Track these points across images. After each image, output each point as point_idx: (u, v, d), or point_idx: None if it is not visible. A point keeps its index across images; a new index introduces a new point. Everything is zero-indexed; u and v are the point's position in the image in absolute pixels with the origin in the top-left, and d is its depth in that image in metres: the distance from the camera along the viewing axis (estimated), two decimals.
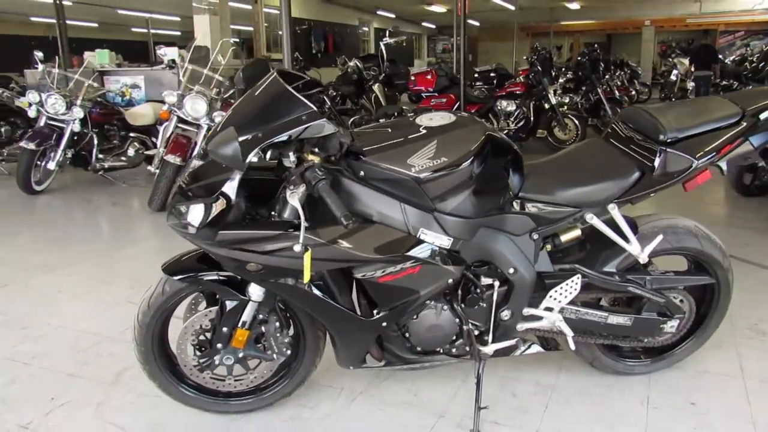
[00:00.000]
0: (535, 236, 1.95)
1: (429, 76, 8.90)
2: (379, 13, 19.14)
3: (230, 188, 1.64)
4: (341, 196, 1.76)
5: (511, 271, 1.93)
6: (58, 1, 10.21)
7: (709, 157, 1.89)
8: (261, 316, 1.96)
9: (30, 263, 3.86)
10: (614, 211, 1.94)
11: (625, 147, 2.01)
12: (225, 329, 1.92)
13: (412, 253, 1.77)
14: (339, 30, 17.17)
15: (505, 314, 1.99)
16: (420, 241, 1.78)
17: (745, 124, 1.92)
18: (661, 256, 2.16)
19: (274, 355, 2.00)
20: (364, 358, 2.03)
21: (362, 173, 1.76)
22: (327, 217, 1.64)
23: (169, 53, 5.49)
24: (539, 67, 8.17)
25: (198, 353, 2.00)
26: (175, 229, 1.74)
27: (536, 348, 2.13)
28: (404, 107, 6.21)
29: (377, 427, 2.09)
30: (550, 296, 1.99)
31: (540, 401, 2.21)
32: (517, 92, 8.41)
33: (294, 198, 1.60)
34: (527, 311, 2.00)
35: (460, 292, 1.97)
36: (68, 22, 20.52)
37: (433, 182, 1.73)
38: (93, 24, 20.43)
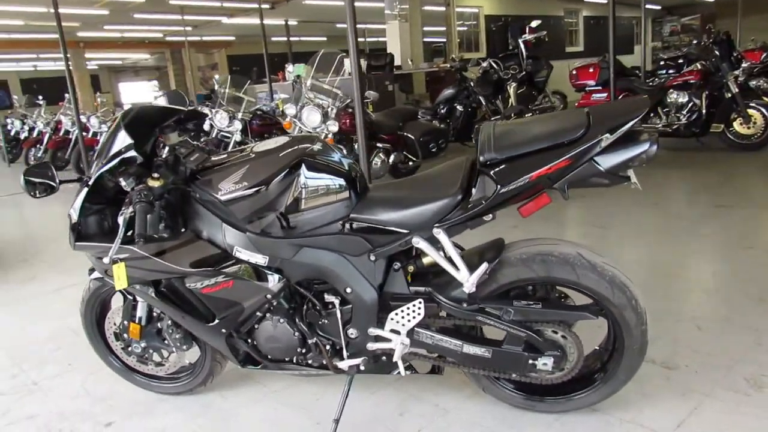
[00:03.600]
0: (373, 257, 1.94)
1: (591, 69, 8.31)
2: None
3: (76, 205, 1.98)
4: (190, 214, 2.01)
5: (348, 290, 1.96)
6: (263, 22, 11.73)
7: (518, 183, 1.66)
8: (156, 313, 2.29)
9: None
10: (440, 235, 1.83)
11: (469, 167, 1.87)
12: (125, 323, 2.30)
13: (226, 269, 1.93)
14: (541, 23, 16.52)
15: (352, 332, 2.02)
16: (239, 259, 1.93)
17: (583, 144, 1.64)
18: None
19: (173, 349, 2.32)
20: (248, 359, 2.23)
21: (198, 195, 1.97)
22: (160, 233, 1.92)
23: (294, 70, 6.11)
24: (717, 52, 7.03)
25: (120, 341, 2.42)
26: None
27: (416, 371, 2.10)
28: (527, 108, 5.94)
29: (259, 425, 2.27)
30: (391, 318, 1.96)
31: (418, 424, 2.16)
32: (691, 81, 7.34)
33: (121, 217, 1.90)
34: (373, 331, 2.00)
35: (305, 307, 2.06)
36: (302, 38, 23.04)
37: (236, 204, 1.87)
38: (322, 38, 22.95)
